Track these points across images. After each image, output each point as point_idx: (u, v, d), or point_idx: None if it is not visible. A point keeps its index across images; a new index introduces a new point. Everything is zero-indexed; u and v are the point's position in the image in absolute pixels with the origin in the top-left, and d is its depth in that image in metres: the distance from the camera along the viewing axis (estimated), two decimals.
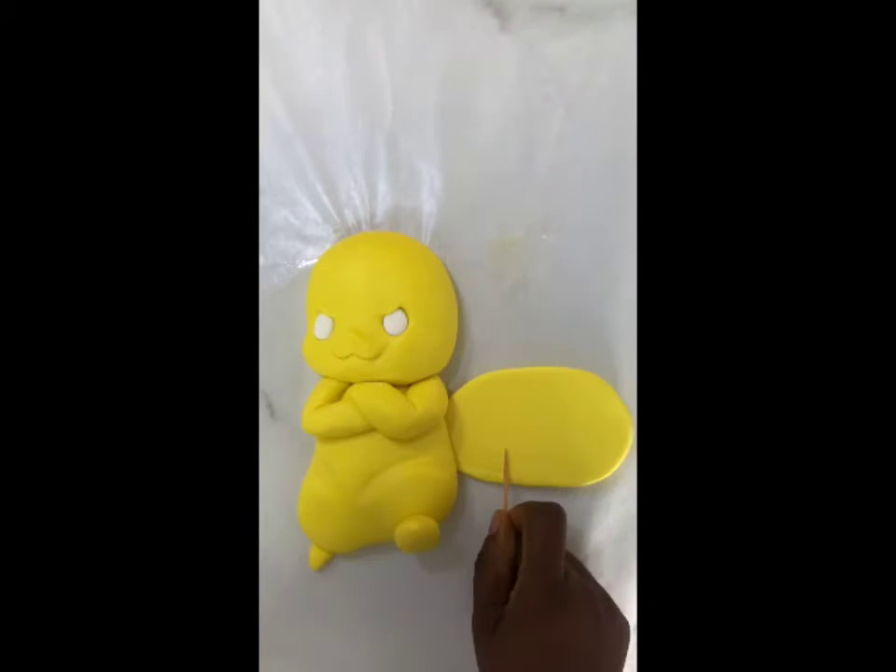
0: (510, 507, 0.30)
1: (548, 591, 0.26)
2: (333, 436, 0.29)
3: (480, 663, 0.28)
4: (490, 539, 0.29)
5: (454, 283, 0.31)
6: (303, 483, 0.31)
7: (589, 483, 0.31)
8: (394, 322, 0.28)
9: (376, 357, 0.28)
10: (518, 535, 0.29)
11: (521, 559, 0.27)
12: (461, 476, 0.31)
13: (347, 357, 0.28)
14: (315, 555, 0.32)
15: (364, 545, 0.31)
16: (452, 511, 0.31)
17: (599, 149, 0.30)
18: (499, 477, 0.31)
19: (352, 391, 0.29)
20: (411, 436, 0.29)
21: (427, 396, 0.29)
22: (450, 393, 0.31)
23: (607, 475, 0.30)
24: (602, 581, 0.30)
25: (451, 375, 0.32)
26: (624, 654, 0.27)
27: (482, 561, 0.29)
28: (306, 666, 0.33)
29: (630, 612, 0.31)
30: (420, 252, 0.31)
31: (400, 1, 0.31)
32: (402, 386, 0.29)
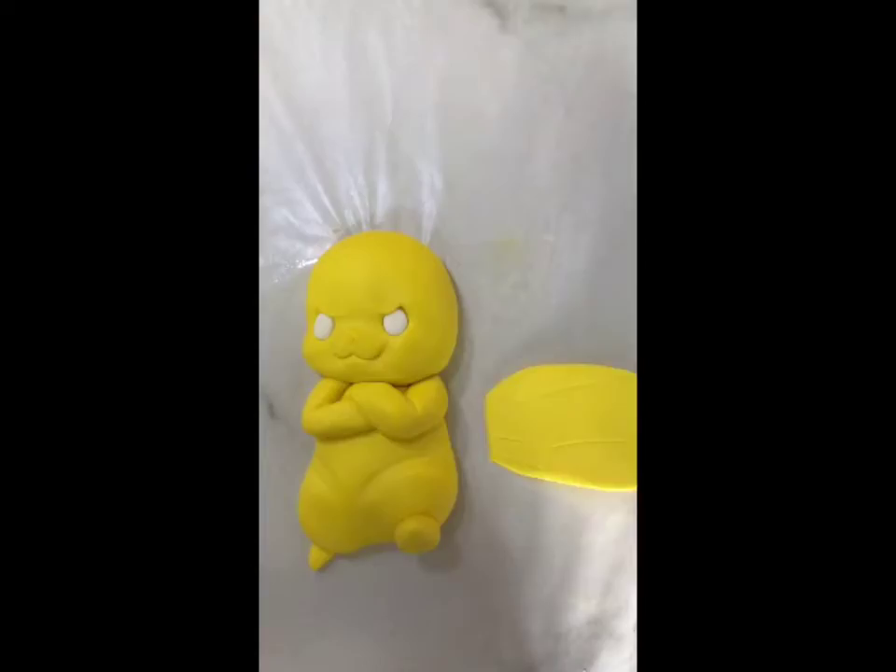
0: None
1: None
2: (333, 436, 0.29)
3: None
4: None
5: (454, 283, 0.31)
6: (303, 483, 0.31)
7: (615, 489, 0.30)
8: (394, 322, 0.28)
9: (376, 356, 0.28)
10: None
11: None
12: (462, 476, 0.31)
13: (347, 356, 0.28)
14: (315, 555, 0.32)
15: (364, 545, 0.31)
16: (452, 511, 0.31)
17: (599, 149, 0.30)
18: (538, 472, 0.30)
19: (352, 391, 0.29)
20: (411, 436, 0.29)
21: (427, 396, 0.29)
22: (450, 393, 0.31)
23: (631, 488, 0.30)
24: (601, 583, 0.30)
25: (451, 375, 0.32)
26: None
27: None
28: (306, 667, 0.33)
29: (630, 612, 0.31)
30: (420, 252, 0.31)
31: (400, 1, 0.31)
32: (402, 386, 0.29)
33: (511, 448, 0.31)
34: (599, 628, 0.31)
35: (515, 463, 0.31)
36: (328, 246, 0.32)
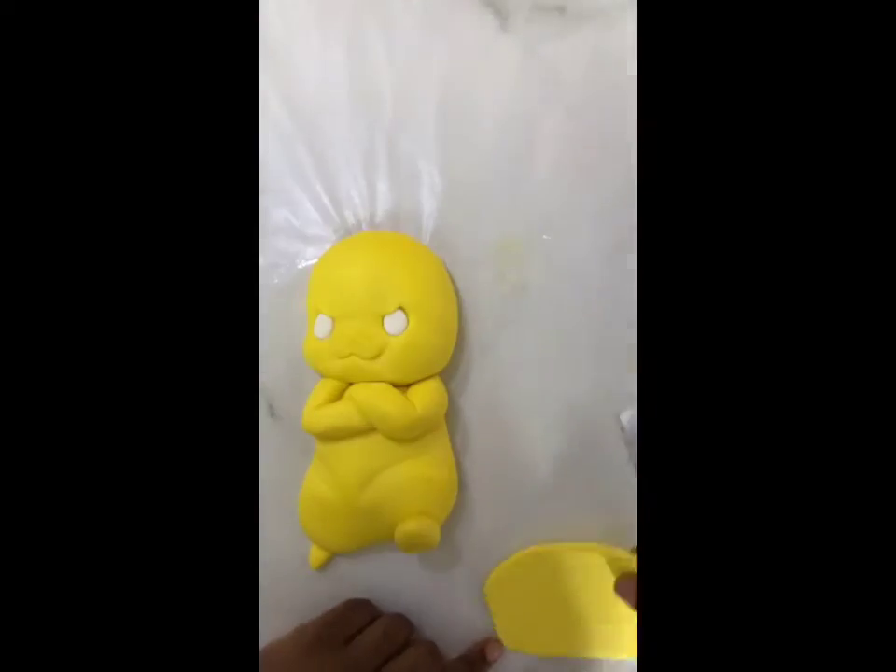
0: None
1: None
2: (333, 435, 0.29)
3: None
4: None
5: (454, 283, 0.31)
6: (303, 483, 0.31)
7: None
8: (394, 322, 0.28)
9: (376, 356, 0.28)
10: None
11: None
12: (461, 476, 0.31)
13: (347, 356, 0.28)
14: (315, 555, 0.32)
15: (364, 545, 0.31)
16: (452, 511, 0.31)
17: (599, 149, 0.30)
18: (552, 651, 0.31)
19: (352, 391, 0.29)
20: (411, 436, 0.29)
21: (427, 396, 0.29)
22: (450, 393, 0.31)
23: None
24: None
25: (451, 375, 0.32)
26: None
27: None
28: None
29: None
30: (420, 252, 0.31)
31: (400, 1, 0.31)
32: (402, 386, 0.29)
33: (523, 635, 0.32)
34: None
35: (530, 647, 0.32)
36: (328, 246, 0.32)
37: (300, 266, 0.32)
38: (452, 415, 0.31)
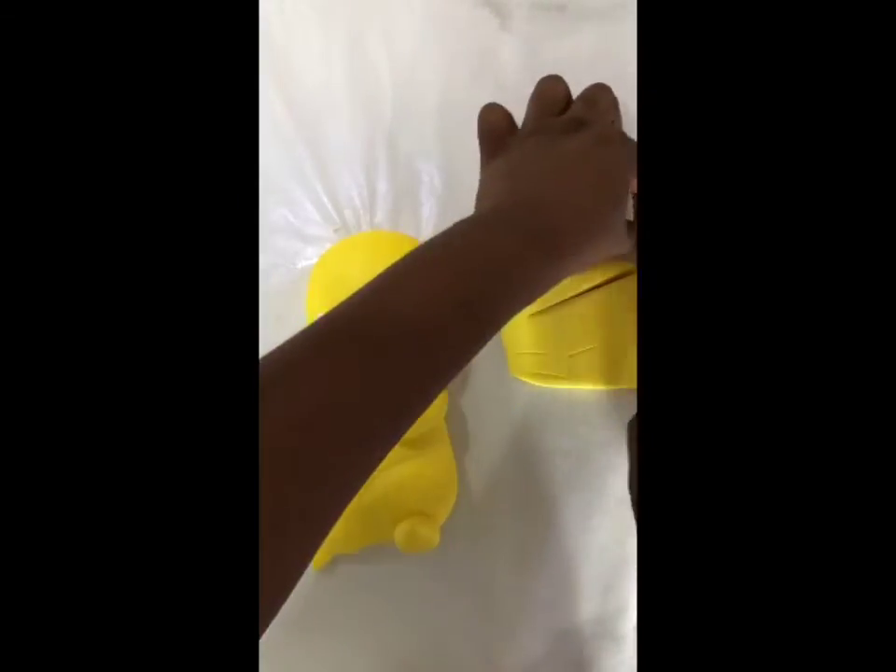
0: None
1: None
2: None
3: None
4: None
5: None
6: None
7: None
8: None
9: None
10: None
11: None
12: (462, 476, 0.31)
13: None
14: (315, 555, 0.32)
15: (364, 545, 0.31)
16: (452, 511, 0.31)
17: None
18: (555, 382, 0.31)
19: None
20: (409, 435, 0.29)
21: None
22: (450, 393, 0.31)
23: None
24: (601, 583, 0.30)
25: None
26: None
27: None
28: (306, 667, 0.33)
29: (630, 612, 0.31)
30: None
31: (400, 1, 0.31)
32: None
33: (531, 362, 0.31)
34: (599, 628, 0.31)
35: (536, 376, 0.31)
36: (328, 246, 0.32)
37: (300, 266, 0.32)
38: (452, 415, 0.31)
